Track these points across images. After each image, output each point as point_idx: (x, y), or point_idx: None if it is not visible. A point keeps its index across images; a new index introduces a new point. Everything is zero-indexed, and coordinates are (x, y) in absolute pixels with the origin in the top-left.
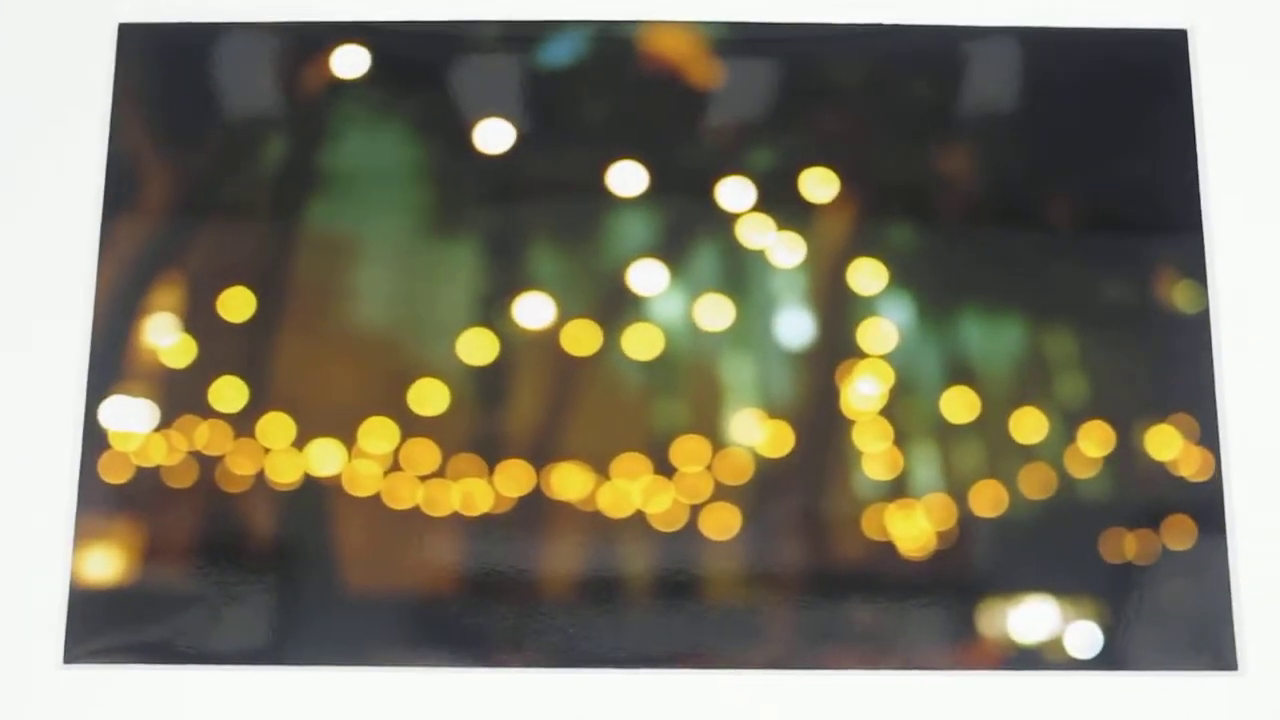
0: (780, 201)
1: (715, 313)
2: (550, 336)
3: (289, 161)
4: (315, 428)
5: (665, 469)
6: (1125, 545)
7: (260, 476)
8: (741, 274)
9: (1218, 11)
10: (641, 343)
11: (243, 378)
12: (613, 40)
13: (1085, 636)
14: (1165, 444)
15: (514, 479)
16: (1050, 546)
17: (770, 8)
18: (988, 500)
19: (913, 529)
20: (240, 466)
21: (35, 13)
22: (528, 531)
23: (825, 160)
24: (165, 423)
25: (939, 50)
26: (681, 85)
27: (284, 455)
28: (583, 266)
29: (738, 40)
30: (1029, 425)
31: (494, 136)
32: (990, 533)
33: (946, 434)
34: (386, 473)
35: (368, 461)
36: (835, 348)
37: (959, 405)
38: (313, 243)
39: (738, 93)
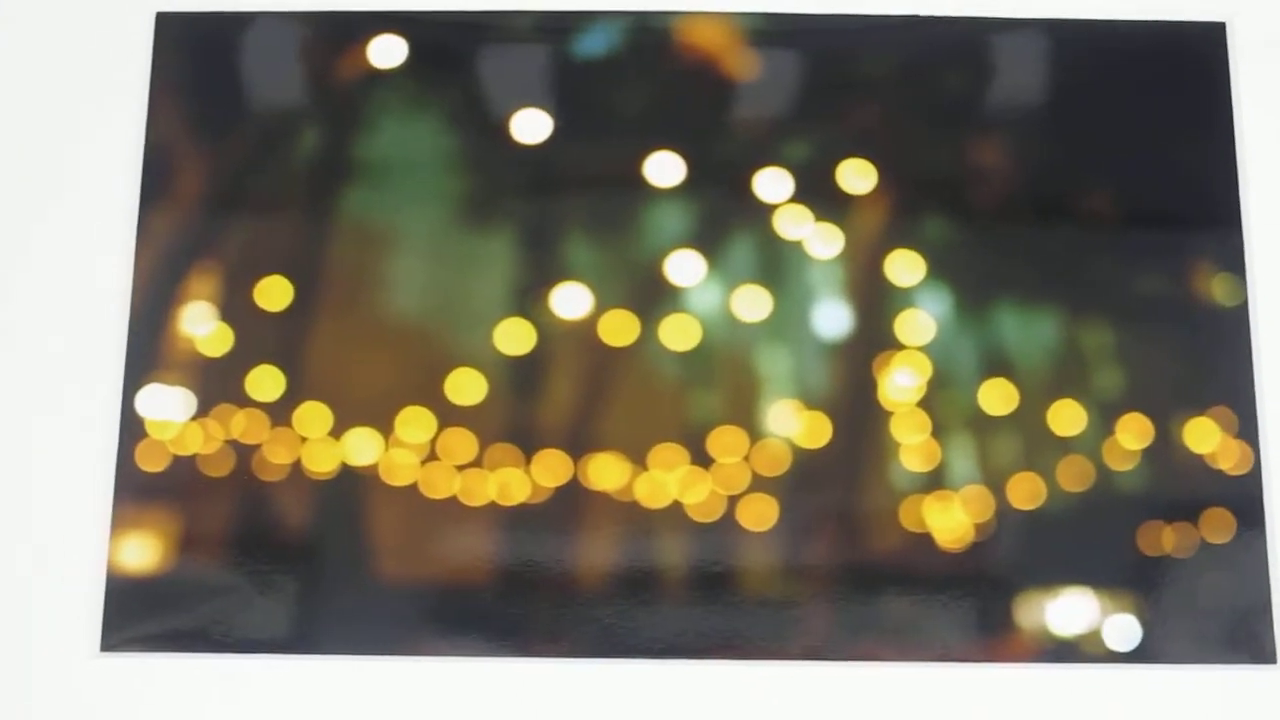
0: (817, 193)
1: (752, 304)
2: (587, 327)
3: (325, 151)
4: (352, 417)
5: (702, 460)
6: (1163, 538)
7: (297, 466)
8: (778, 265)
9: (1256, 4)
10: (678, 333)
11: (279, 367)
12: (648, 31)
13: (1123, 629)
14: (1204, 437)
15: (551, 469)
16: (1088, 539)
17: None
18: (1025, 492)
19: (950, 521)
20: (277, 455)
21: (74, 2)
22: (565, 522)
23: (861, 152)
24: (202, 411)
25: (974, 42)
26: (717, 76)
27: (320, 444)
28: (619, 257)
29: (772, 31)
30: (1067, 418)
31: (530, 127)
32: (1028, 525)
33: (984, 426)
34: (423, 462)
35: (404, 451)
36: (872, 339)
37: (996, 397)
38: (349, 232)
39: (773, 84)
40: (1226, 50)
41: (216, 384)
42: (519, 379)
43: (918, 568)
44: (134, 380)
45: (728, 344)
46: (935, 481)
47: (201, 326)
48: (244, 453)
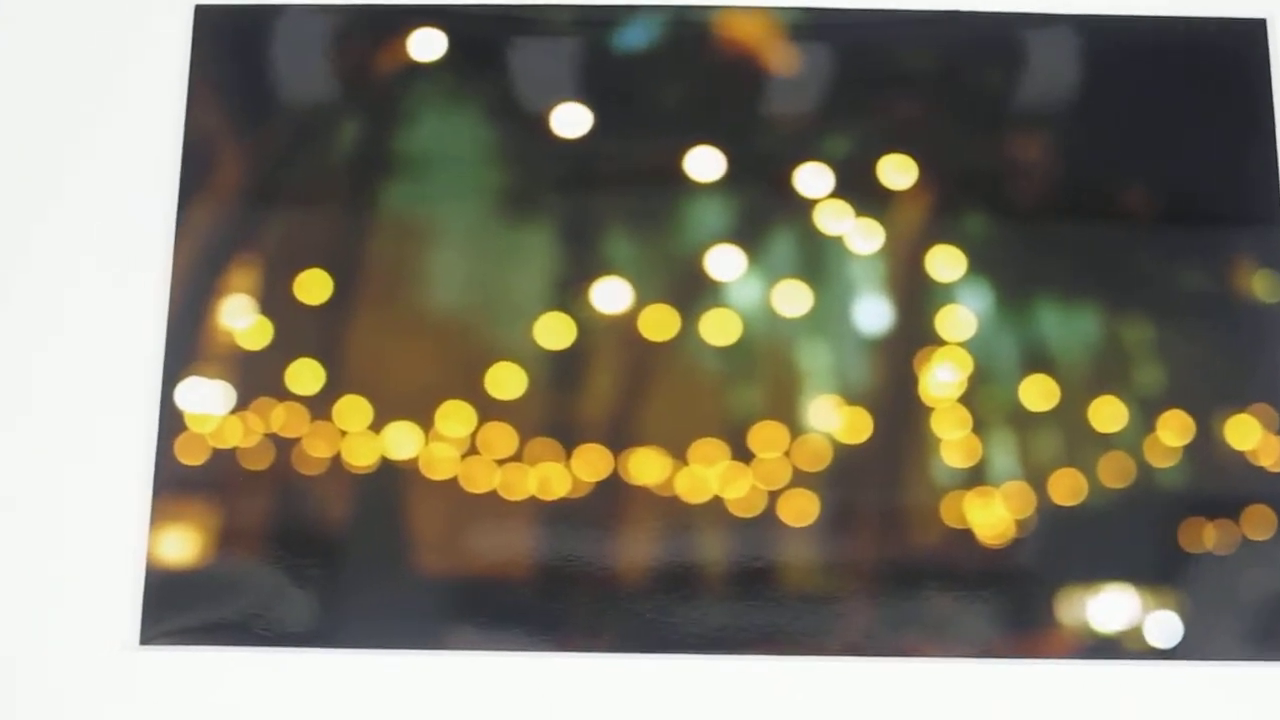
0: (857, 188)
1: (793, 299)
2: (627, 321)
3: (365, 144)
4: (392, 411)
5: (743, 455)
6: (1205, 535)
7: (336, 459)
8: (819, 260)
9: None
10: (719, 328)
11: (319, 360)
12: (687, 25)
13: (1164, 626)
14: (1245, 433)
15: (591, 464)
16: (1129, 536)
17: None
18: (1066, 489)
19: (991, 517)
20: (316, 449)
21: None
22: (605, 516)
23: (902, 147)
24: (241, 405)
25: (1013, 37)
26: (756, 70)
27: (360, 438)
28: (660, 252)
29: (812, 26)
30: (1107, 414)
31: (569, 121)
32: (1069, 521)
33: (1025, 422)
34: (463, 456)
35: (444, 445)
36: (913, 335)
37: (1037, 393)
38: (389, 226)
39: (813, 78)
40: (1267, 46)
41: (256, 377)
42: (559, 373)
43: (959, 564)
44: (173, 373)
45: (768, 339)
46: (976, 477)
47: (241, 320)
48: (283, 446)
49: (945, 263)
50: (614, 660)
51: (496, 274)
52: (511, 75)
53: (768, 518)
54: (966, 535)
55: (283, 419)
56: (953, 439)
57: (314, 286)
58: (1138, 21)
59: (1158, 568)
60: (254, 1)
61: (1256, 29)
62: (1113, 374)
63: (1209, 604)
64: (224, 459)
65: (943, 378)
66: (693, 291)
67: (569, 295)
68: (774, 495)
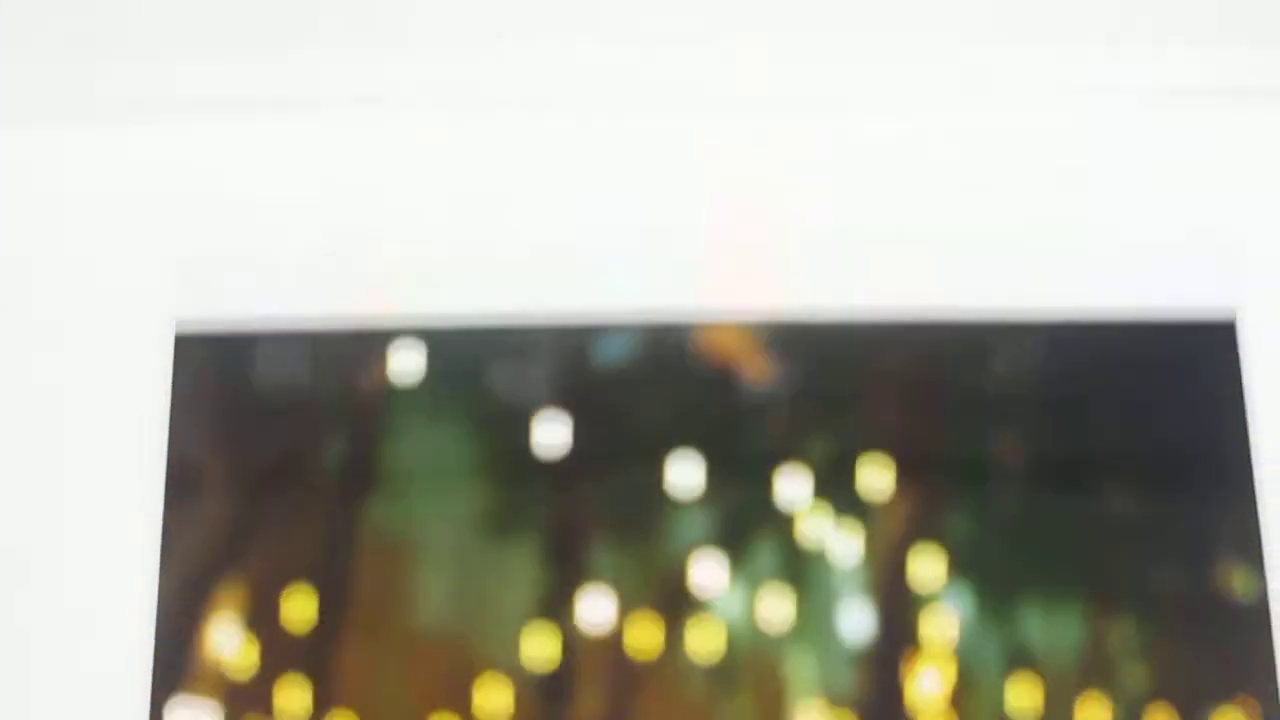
0: (837, 492)
1: (776, 608)
2: (613, 634)
3: (348, 462)
4: None
5: None
6: None
7: None
8: (801, 567)
9: (1266, 297)
10: (704, 640)
11: (307, 677)
12: (664, 338)
13: None
14: None
15: None
16: None
17: (817, 303)
18: None
19: None
20: None
21: (93, 317)
22: None
23: (880, 450)
24: None
25: (984, 340)
26: (734, 381)
27: None
28: (643, 562)
29: (787, 337)
30: (1093, 714)
31: (550, 434)
32: None
33: None
34: None
35: None
36: (897, 641)
37: (1023, 695)
38: (374, 542)
39: (789, 386)
40: (1236, 343)
41: (244, 697)
42: (546, 689)
43: None
44: (161, 698)
45: (752, 649)
46: None
47: (228, 639)
48: None
49: (927, 565)
50: None
51: (482, 589)
52: (492, 392)
53: None
54: None
55: None
56: None
57: (300, 604)
58: (1106, 327)
59: None
60: (232, 331)
61: (1226, 328)
62: (1098, 673)
63: None
64: None
65: (928, 686)
66: (677, 602)
67: (554, 610)
68: None
